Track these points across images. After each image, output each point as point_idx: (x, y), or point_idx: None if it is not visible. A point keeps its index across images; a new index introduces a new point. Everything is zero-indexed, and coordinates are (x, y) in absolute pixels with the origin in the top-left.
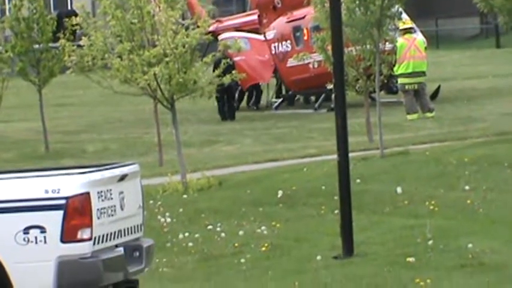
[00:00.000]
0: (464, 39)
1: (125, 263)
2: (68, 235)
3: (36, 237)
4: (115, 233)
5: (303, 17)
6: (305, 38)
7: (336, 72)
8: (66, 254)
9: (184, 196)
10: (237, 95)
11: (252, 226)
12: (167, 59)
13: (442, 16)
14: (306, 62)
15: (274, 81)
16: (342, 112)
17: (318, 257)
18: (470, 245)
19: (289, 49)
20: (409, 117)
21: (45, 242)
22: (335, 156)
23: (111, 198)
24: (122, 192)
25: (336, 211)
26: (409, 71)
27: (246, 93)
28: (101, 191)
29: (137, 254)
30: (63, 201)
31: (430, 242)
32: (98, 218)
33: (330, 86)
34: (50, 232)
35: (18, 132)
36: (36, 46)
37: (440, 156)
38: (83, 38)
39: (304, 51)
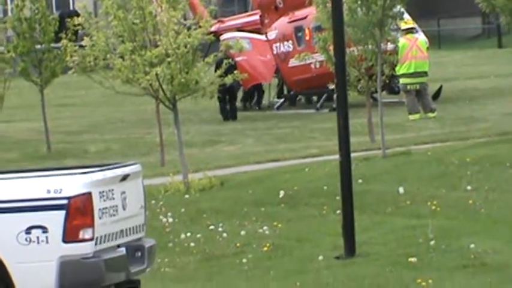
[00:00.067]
0: (466, 39)
1: (127, 263)
2: (70, 235)
3: (38, 237)
4: (117, 233)
5: (305, 17)
6: (307, 38)
7: (338, 72)
8: (68, 254)
9: (186, 196)
10: (241, 95)
11: (253, 226)
12: (169, 59)
13: (444, 16)
14: (308, 62)
15: (275, 81)
16: (344, 112)
17: (320, 257)
18: (472, 245)
19: (291, 49)
20: (411, 117)
21: (47, 242)
22: (337, 156)
23: (113, 198)
24: (123, 192)
25: (338, 211)
26: (411, 71)
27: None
28: (103, 191)
29: (139, 254)
30: (65, 201)
31: (432, 242)
32: (100, 218)
33: (332, 86)
34: (52, 232)
35: (20, 132)
36: (38, 46)
37: (442, 157)
38: (85, 38)
39: (306, 52)
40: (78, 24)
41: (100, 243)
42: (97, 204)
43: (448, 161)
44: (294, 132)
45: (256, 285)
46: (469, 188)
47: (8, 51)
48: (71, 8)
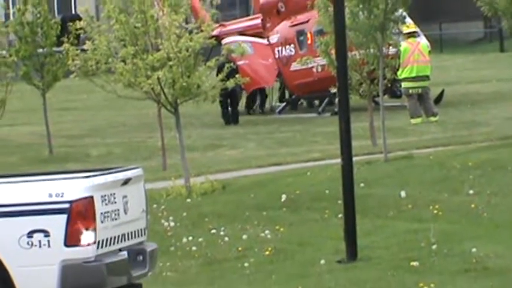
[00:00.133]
0: (468, 43)
1: (129, 267)
2: (71, 239)
3: (40, 241)
4: (119, 237)
5: (307, 21)
6: (309, 42)
7: (340, 76)
8: (70, 257)
9: (188, 200)
10: (245, 101)
11: (255, 230)
12: (171, 63)
13: (445, 20)
14: (310, 66)
15: (277, 85)
16: (346, 116)
17: (322, 261)
18: (474, 250)
19: (292, 53)
20: (413, 121)
21: (48, 245)
22: (339, 160)
23: (115, 202)
24: (125, 196)
25: (340, 215)
26: (413, 75)
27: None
28: (105, 195)
29: (141, 258)
30: (66, 205)
31: (434, 247)
32: (102, 222)
33: (334, 90)
34: (54, 236)
35: (22, 136)
36: (40, 50)
37: (444, 161)
38: (87, 42)
39: (308, 55)
40: (80, 28)
41: (102, 247)
42: (99, 208)
43: (450, 165)
44: (295, 136)
45: None
46: (471, 192)
47: (10, 55)
48: (73, 12)
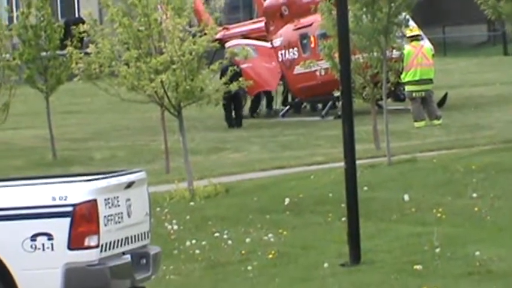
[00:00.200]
0: (472, 47)
1: (132, 270)
2: (75, 242)
3: (43, 245)
4: (122, 240)
5: (310, 25)
6: (312, 45)
7: (343, 79)
8: (73, 261)
9: (191, 203)
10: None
11: (259, 233)
12: (174, 66)
13: (449, 23)
14: (313, 69)
15: (280, 88)
16: (349, 119)
17: (325, 265)
18: (477, 253)
19: (296, 56)
20: (416, 124)
21: (52, 249)
22: (342, 163)
23: (118, 206)
24: (129, 200)
25: (343, 218)
26: (417, 78)
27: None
28: (108, 198)
29: (144, 261)
30: (70, 209)
31: (438, 250)
32: (105, 225)
33: (337, 94)
34: (57, 239)
35: (26, 140)
36: (44, 54)
37: (447, 164)
38: (90, 45)
39: (311, 59)
40: (84, 32)
41: (105, 250)
42: (102, 211)
43: (453, 168)
44: (299, 140)
45: None
46: (474, 195)
47: (14, 59)
48: (77, 15)
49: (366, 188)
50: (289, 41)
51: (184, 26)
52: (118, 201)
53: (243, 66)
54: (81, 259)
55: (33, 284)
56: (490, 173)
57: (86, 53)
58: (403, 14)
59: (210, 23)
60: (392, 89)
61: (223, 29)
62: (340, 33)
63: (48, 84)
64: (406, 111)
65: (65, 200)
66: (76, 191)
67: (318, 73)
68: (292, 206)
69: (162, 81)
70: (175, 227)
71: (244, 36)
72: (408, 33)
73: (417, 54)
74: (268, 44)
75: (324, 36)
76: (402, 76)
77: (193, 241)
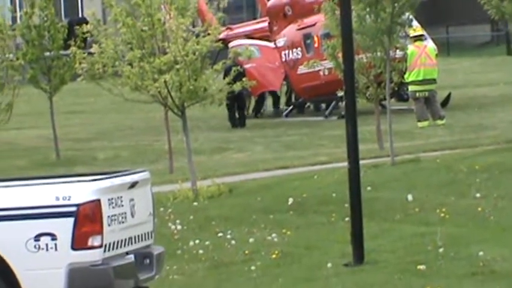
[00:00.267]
0: (475, 47)
1: (136, 270)
2: (78, 242)
3: (47, 245)
4: (125, 240)
5: (314, 25)
6: (315, 45)
7: (347, 79)
8: (77, 261)
9: (195, 203)
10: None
11: (262, 233)
12: (178, 66)
13: (452, 23)
14: (317, 69)
15: (283, 88)
16: (353, 119)
17: (329, 265)
18: (481, 253)
19: (299, 56)
20: (420, 124)
21: (56, 249)
22: (345, 163)
23: (122, 206)
24: (132, 200)
25: (347, 218)
26: (420, 78)
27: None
28: (112, 198)
29: (148, 261)
30: (74, 209)
31: (441, 250)
32: (109, 225)
33: (341, 94)
34: (61, 239)
35: (29, 140)
36: (47, 54)
37: (451, 164)
38: (94, 45)
39: (315, 59)
40: (87, 32)
41: (109, 250)
42: (106, 211)
43: (457, 168)
44: (302, 140)
45: None
46: (478, 195)
47: (17, 59)
48: (80, 15)
49: (369, 188)
50: (292, 41)
51: (188, 26)
52: (122, 201)
53: (246, 66)
54: (84, 259)
55: (36, 284)
56: (493, 173)
57: (90, 53)
58: (407, 14)
59: (214, 23)
60: (396, 89)
61: (227, 29)
62: (344, 33)
63: (51, 84)
64: (409, 111)
65: (69, 200)
66: (80, 191)
67: (321, 73)
68: (296, 206)
69: (165, 81)
70: (179, 227)
71: (248, 36)
72: (412, 33)
73: (420, 54)
74: (271, 44)
75: (327, 36)
76: (406, 76)
77: (197, 241)
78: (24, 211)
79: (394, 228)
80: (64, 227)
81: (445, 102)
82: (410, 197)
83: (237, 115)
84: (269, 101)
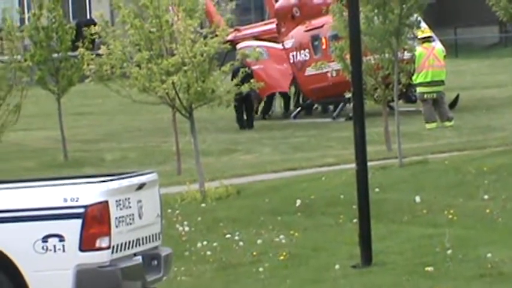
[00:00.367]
0: (484, 48)
1: (143, 271)
2: (86, 244)
3: (54, 246)
4: (133, 241)
5: (322, 26)
6: (323, 46)
7: (355, 81)
8: (85, 262)
9: (203, 205)
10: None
11: (270, 235)
12: (185, 67)
13: (461, 25)
14: (324, 70)
15: (292, 90)
16: (361, 121)
17: (337, 266)
18: (489, 255)
19: (307, 58)
20: (428, 126)
21: (63, 250)
22: (353, 165)
23: (130, 207)
24: (140, 201)
25: (355, 220)
26: (428, 80)
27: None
28: (120, 200)
29: (155, 262)
30: (81, 210)
31: (449, 252)
32: (117, 226)
33: (348, 95)
34: (69, 241)
35: (37, 141)
36: (55, 55)
37: (459, 165)
38: (102, 46)
39: (323, 60)
40: (95, 33)
41: (116, 251)
42: (113, 212)
43: (465, 170)
44: (310, 141)
45: None
46: (486, 197)
47: (25, 60)
48: (88, 16)
49: (377, 190)
50: (300, 43)
51: (196, 28)
52: (129, 203)
53: (254, 67)
54: (92, 260)
55: (44, 285)
56: (501, 174)
57: (98, 55)
58: (415, 15)
59: (222, 25)
60: (404, 90)
61: (235, 30)
62: (352, 34)
63: (59, 86)
64: (417, 113)
65: (77, 201)
66: (87, 193)
67: (329, 74)
68: (304, 208)
69: (173, 83)
70: (187, 228)
71: (256, 37)
72: (420, 35)
73: (429, 55)
74: (279, 46)
75: (335, 37)
76: (414, 77)
77: (205, 242)
78: (32, 212)
79: (402, 229)
80: (72, 229)
81: (453, 104)
82: (418, 199)
83: (245, 117)
84: (277, 103)
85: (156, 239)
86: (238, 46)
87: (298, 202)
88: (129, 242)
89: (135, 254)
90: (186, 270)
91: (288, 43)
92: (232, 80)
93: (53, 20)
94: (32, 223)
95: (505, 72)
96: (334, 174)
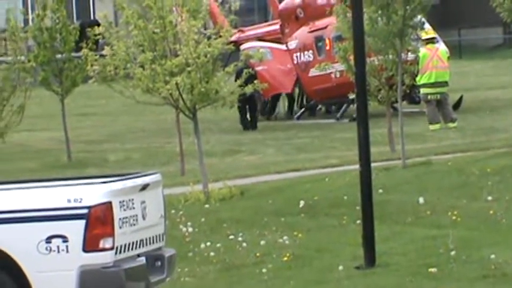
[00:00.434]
0: (488, 49)
1: (147, 272)
2: (90, 244)
3: (58, 247)
4: (137, 242)
5: (325, 27)
6: (327, 47)
7: (358, 82)
8: (88, 263)
9: (206, 206)
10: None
11: (273, 236)
12: (189, 68)
13: (465, 26)
14: (328, 71)
15: (295, 91)
16: (364, 122)
17: (340, 267)
18: (492, 256)
19: (311, 59)
20: (432, 127)
21: (67, 251)
22: (357, 166)
23: (133, 208)
24: (143, 202)
25: (358, 221)
26: (432, 81)
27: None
28: (123, 201)
29: (159, 263)
30: (85, 211)
31: (453, 253)
32: (120, 227)
33: (352, 96)
34: (72, 241)
35: (41, 142)
36: (59, 56)
37: (462, 167)
38: (106, 47)
39: (326, 61)
40: (99, 34)
41: (120, 252)
42: (117, 213)
43: (468, 171)
44: (314, 142)
45: None
46: (489, 198)
47: (29, 61)
48: (92, 17)
49: (380, 191)
50: (304, 44)
51: (200, 29)
52: (133, 204)
53: (258, 68)
54: (96, 261)
55: (48, 286)
56: (505, 175)
57: (101, 55)
58: (419, 16)
59: (225, 26)
60: (408, 91)
61: (238, 31)
62: (356, 35)
63: (63, 87)
64: (421, 114)
65: (80, 202)
66: (91, 193)
67: (333, 75)
68: (307, 209)
69: (177, 84)
70: (190, 229)
71: (259, 38)
72: (423, 36)
73: (432, 56)
74: (283, 47)
75: (339, 38)
76: (417, 79)
77: (208, 243)
78: (35, 213)
79: (406, 231)
80: (75, 229)
81: (457, 105)
82: (421, 200)
83: (248, 117)
84: (282, 103)
85: (159, 240)
86: (242, 47)
87: (302, 203)
88: (133, 243)
89: (138, 255)
90: (190, 271)
91: (292, 44)
92: (235, 80)
93: (57, 21)
94: (35, 224)
95: (509, 73)
96: (338, 175)
